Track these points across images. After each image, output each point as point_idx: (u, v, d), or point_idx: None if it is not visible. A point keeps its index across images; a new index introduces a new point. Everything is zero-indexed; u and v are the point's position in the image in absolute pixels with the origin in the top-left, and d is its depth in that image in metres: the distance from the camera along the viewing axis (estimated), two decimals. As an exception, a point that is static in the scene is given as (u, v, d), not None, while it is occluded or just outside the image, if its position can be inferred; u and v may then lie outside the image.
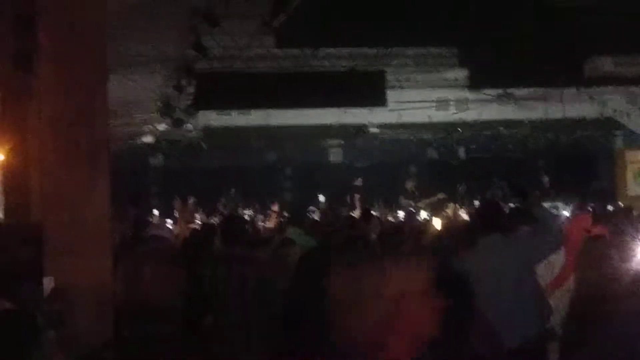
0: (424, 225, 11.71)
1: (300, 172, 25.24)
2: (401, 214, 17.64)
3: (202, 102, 15.93)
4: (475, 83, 16.08)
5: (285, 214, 15.40)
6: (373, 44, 13.90)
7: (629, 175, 22.15)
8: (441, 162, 24.71)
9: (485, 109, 19.73)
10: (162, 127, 19.45)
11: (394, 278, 2.48)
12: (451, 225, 11.24)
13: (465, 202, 19.53)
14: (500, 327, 4.76)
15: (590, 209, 10.04)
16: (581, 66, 14.60)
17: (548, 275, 7.56)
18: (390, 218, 16.81)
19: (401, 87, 18.55)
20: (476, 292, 3.52)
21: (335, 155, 24.72)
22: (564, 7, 11.23)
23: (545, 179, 21.32)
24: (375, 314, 2.46)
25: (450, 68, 16.60)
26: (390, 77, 16.38)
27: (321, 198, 19.95)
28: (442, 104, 19.76)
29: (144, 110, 18.53)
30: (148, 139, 20.61)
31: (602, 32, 11.97)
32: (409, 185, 20.24)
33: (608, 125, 21.71)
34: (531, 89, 18.38)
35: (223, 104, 17.16)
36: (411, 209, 18.09)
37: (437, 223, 11.93)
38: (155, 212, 19.28)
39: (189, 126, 19.35)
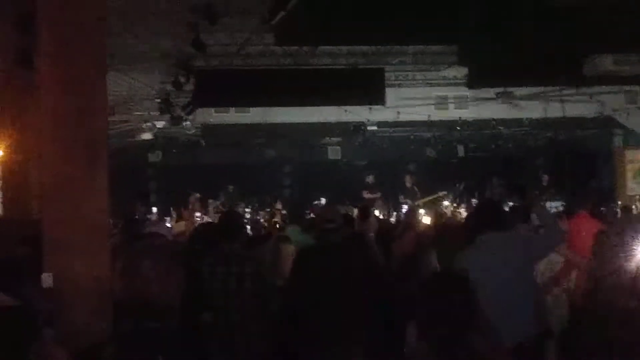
0: (419, 223, 11.71)
1: (298, 169, 25.23)
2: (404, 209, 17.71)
3: (201, 99, 15.93)
4: (474, 81, 16.08)
5: (284, 211, 15.45)
6: (372, 42, 13.90)
7: (628, 174, 22.17)
8: (440, 160, 24.69)
9: (484, 107, 19.73)
10: (160, 124, 19.44)
11: None
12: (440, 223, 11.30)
13: (464, 200, 19.56)
14: (499, 325, 4.76)
15: (589, 208, 10.02)
16: (580, 65, 14.61)
17: (547, 273, 7.58)
18: (390, 217, 16.83)
19: (400, 85, 18.58)
20: (475, 290, 3.52)
21: (333, 153, 24.71)
22: (563, 6, 11.23)
23: (545, 178, 21.31)
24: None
25: (450, 66, 16.62)
26: (389, 75, 16.39)
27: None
28: (441, 102, 19.78)
29: (142, 107, 18.53)
30: (147, 135, 20.58)
31: (602, 31, 11.97)
32: (409, 182, 20.25)
33: (607, 124, 21.70)
34: (530, 88, 18.39)
35: (222, 101, 17.16)
36: (409, 206, 18.12)
37: (428, 221, 11.99)
38: (154, 209, 19.32)
39: (188, 123, 19.35)
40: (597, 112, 20.40)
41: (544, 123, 21.17)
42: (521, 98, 19.38)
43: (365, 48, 15.24)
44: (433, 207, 17.07)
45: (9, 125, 6.24)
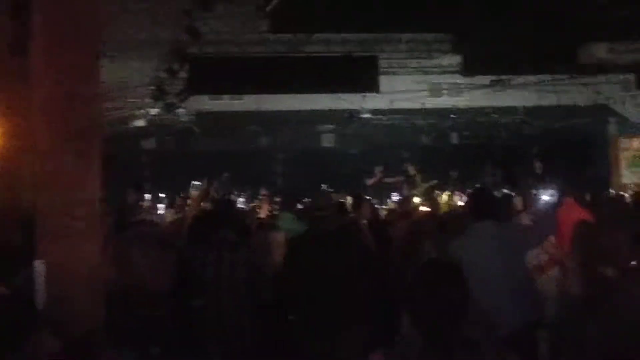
0: (414, 210, 11.71)
1: (292, 157, 25.20)
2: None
3: (195, 86, 15.91)
4: (468, 69, 16.08)
5: (277, 199, 15.40)
6: (366, 29, 13.89)
7: (623, 162, 22.19)
8: (434, 148, 24.67)
9: (478, 95, 19.71)
10: (154, 111, 19.41)
11: None
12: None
13: (457, 188, 19.53)
14: (492, 313, 4.78)
15: (581, 196, 9.98)
16: (575, 53, 14.62)
17: (540, 261, 7.55)
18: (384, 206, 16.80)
19: (394, 73, 18.54)
20: (468, 278, 3.53)
21: (327, 141, 24.70)
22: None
23: (539, 166, 21.31)
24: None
25: (444, 54, 16.59)
26: (383, 63, 16.36)
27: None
28: (435, 90, 19.76)
29: (136, 94, 18.50)
30: (140, 122, 20.55)
31: (596, 20, 11.98)
32: (411, 170, 20.10)
33: (602, 112, 21.71)
34: (525, 76, 18.38)
35: (215, 89, 17.14)
36: (404, 194, 18.08)
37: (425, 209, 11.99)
38: (147, 196, 19.28)
39: (182, 110, 19.32)
40: (591, 100, 20.41)
41: (539, 111, 21.18)
42: (516, 86, 19.37)
43: (359, 36, 15.21)
44: (430, 196, 17.03)
45: (2, 113, 6.20)
